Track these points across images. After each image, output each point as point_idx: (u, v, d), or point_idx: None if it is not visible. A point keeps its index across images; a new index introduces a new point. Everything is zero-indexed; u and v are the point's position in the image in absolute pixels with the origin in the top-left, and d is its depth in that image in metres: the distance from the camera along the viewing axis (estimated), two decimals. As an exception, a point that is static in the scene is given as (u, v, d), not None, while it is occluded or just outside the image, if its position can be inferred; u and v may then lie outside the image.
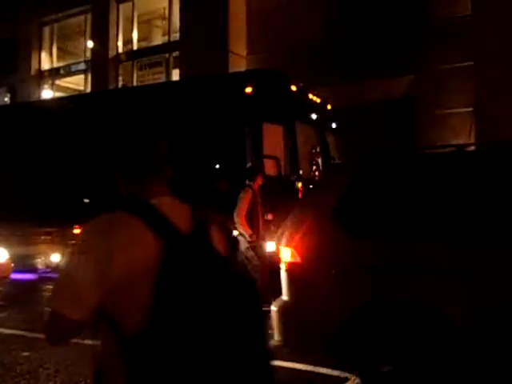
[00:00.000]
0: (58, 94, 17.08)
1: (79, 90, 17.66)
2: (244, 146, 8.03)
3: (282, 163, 8.00)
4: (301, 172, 8.04)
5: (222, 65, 13.13)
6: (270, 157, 7.96)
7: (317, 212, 3.93)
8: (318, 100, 9.27)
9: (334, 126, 9.72)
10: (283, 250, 3.99)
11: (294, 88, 8.43)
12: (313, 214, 3.94)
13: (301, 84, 8.78)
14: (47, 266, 9.29)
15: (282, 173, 8.00)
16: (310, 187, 7.31)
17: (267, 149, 7.96)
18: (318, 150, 8.06)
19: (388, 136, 11.99)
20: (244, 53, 14.21)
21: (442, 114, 12.01)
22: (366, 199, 3.85)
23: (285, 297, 3.97)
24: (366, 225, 3.75)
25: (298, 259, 3.87)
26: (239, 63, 13.67)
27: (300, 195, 7.73)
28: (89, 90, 16.78)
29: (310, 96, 9.06)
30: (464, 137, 10.34)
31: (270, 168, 7.88)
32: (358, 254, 3.64)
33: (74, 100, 10.74)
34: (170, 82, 13.67)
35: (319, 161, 8.03)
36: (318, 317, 3.68)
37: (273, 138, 8.04)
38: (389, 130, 12.20)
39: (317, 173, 7.88)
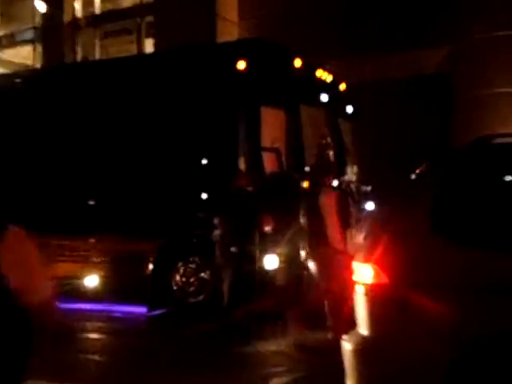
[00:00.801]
0: None
1: (26, 65, 17.66)
2: (236, 136, 8.09)
3: (284, 157, 8.07)
4: (307, 168, 8.11)
5: (207, 33, 13.20)
6: (268, 149, 8.02)
7: (407, 218, 3.82)
8: (329, 78, 9.34)
9: (348, 110, 9.80)
10: (360, 268, 3.83)
11: (298, 63, 8.50)
12: (401, 219, 3.84)
13: (307, 58, 8.86)
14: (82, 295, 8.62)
15: (284, 169, 8.07)
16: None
17: (265, 139, 8.02)
18: (328, 140, 8.10)
19: (417, 122, 12.09)
20: (235, 18, 14.28)
21: (485, 93, 12.07)
22: (477, 200, 3.71)
23: (364, 330, 3.78)
24: (478, 233, 3.61)
25: (384, 279, 3.69)
26: (229, 31, 13.73)
27: (306, 197, 7.76)
28: (39, 64, 16.80)
29: (319, 73, 9.14)
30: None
31: (268, 163, 7.95)
32: (469, 272, 3.48)
33: (18, 78, 10.73)
34: (142, 56, 13.69)
35: (330, 154, 8.07)
36: (414, 358, 3.47)
37: (272, 126, 8.11)
38: (418, 114, 12.29)
39: (327, 167, 7.89)
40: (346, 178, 9.09)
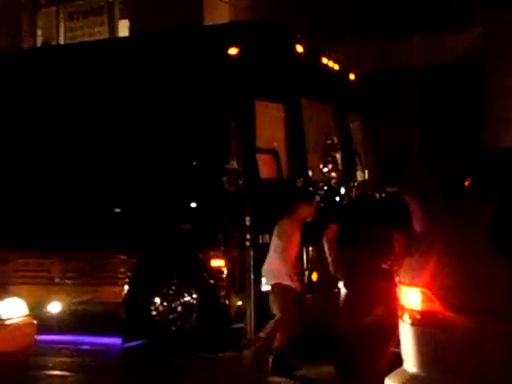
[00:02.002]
0: None
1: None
2: (226, 135, 8.22)
3: (284, 159, 8.19)
4: (310, 172, 8.24)
5: (193, 13, 13.30)
6: (264, 150, 8.15)
7: (462, 233, 3.86)
8: (336, 66, 9.49)
9: (359, 104, 9.95)
10: (406, 293, 3.89)
11: (300, 49, 8.64)
12: (455, 235, 3.89)
13: (311, 43, 8.99)
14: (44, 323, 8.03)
15: (283, 174, 8.18)
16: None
17: (260, 138, 8.15)
18: (335, 139, 8.25)
19: (441, 116, 12.21)
20: (227, -4, 14.40)
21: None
22: None
23: (412, 367, 3.83)
24: None
25: (435, 305, 3.73)
26: (219, 12, 13.87)
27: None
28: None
29: (325, 61, 9.28)
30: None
31: (264, 167, 8.10)
32: None
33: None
34: (115, 40, 13.85)
35: (337, 155, 8.22)
36: None
37: (269, 123, 8.24)
38: (442, 107, 12.43)
39: (333, 173, 8.05)
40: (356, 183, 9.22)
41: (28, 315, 6.94)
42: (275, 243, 7.07)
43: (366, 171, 9.58)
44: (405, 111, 12.36)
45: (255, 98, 8.10)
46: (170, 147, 8.59)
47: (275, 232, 7.09)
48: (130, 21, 15.09)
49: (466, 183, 4.46)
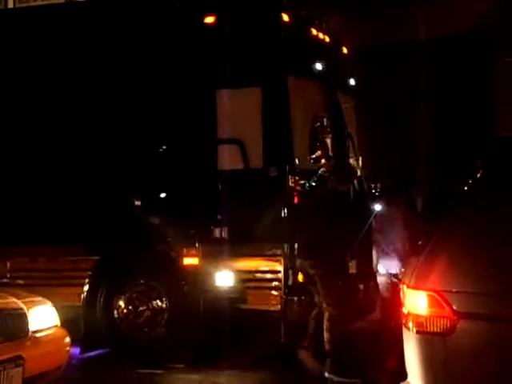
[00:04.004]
0: None
1: None
2: (196, 121, 8.24)
3: (258, 147, 8.11)
4: (297, 161, 8.16)
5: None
6: (229, 140, 8.13)
7: (476, 230, 3.83)
8: (328, 39, 9.35)
9: (352, 82, 9.83)
10: (411, 297, 3.89)
11: (286, 18, 8.50)
12: (468, 232, 3.86)
13: (299, 11, 8.87)
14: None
15: (260, 163, 8.08)
16: None
17: (232, 124, 8.09)
18: (325, 122, 8.11)
19: (446, 96, 12.10)
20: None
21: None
22: None
23: (418, 381, 3.83)
24: None
25: (445, 311, 3.73)
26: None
27: (296, 198, 7.83)
28: None
29: (314, 32, 9.13)
30: None
31: (237, 156, 8.05)
32: None
33: None
34: (70, 3, 13.56)
35: (327, 140, 8.09)
36: None
37: (248, 106, 8.15)
38: (447, 86, 12.32)
39: (323, 160, 7.93)
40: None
41: (60, 326, 6.44)
42: None
43: (360, 157, 9.45)
44: (406, 90, 12.23)
45: (232, 76, 8.03)
46: (129, 132, 8.59)
47: None
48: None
49: (478, 175, 4.31)
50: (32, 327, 5.89)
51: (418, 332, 3.79)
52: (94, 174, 8.66)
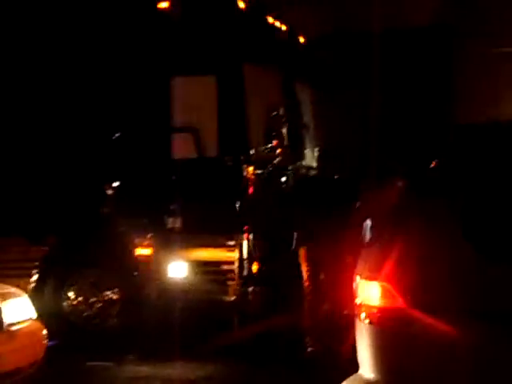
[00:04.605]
0: None
1: None
2: (147, 107, 8.21)
3: (213, 136, 8.11)
4: (252, 151, 8.18)
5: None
6: (183, 129, 8.10)
7: (431, 219, 3.80)
8: (284, 27, 9.36)
9: (309, 72, 9.86)
10: (364, 287, 3.85)
11: (241, 4, 8.50)
12: (422, 221, 3.84)
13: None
14: None
15: (215, 152, 8.10)
16: None
17: (183, 112, 8.07)
18: (281, 112, 8.15)
19: (404, 90, 12.19)
20: None
21: (496, 52, 12.24)
22: None
23: (369, 373, 3.79)
24: None
25: (398, 302, 3.68)
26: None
27: (251, 188, 7.87)
28: None
29: (270, 20, 9.14)
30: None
31: (188, 145, 8.04)
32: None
33: None
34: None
35: (283, 130, 8.13)
36: None
37: (199, 93, 8.13)
38: (403, 77, 12.41)
39: (278, 150, 7.95)
40: (304, 163, 9.18)
41: (36, 319, 6.19)
42: None
43: (316, 149, 9.50)
44: (361, 82, 12.26)
45: (187, 63, 8.05)
46: (84, 124, 8.48)
47: None
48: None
49: (432, 164, 4.35)
50: (6, 320, 5.65)
51: (370, 323, 3.77)
52: (43, 164, 8.51)
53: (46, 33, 8.58)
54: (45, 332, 6.13)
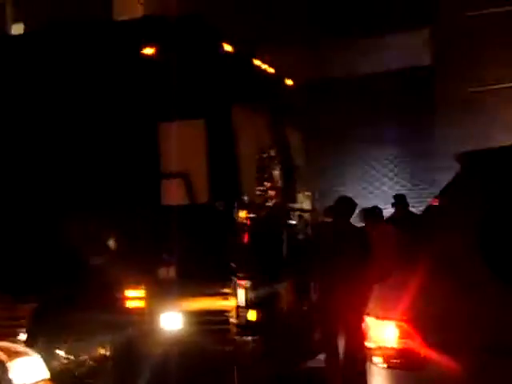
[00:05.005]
0: None
1: None
2: (133, 152, 8.08)
3: (203, 181, 7.96)
4: (245, 196, 8.01)
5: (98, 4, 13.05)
6: (172, 175, 7.96)
7: (449, 255, 3.63)
8: (271, 70, 9.34)
9: (297, 114, 9.80)
10: (378, 328, 3.67)
11: (229, 48, 8.46)
12: (440, 258, 3.66)
13: (243, 43, 8.83)
14: None
15: (201, 198, 7.93)
16: None
17: (172, 157, 7.93)
18: (273, 153, 8.06)
19: (388, 130, 12.31)
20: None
21: (478, 91, 12.40)
22: None
23: None
24: None
25: (418, 343, 3.49)
26: (129, 5, 13.62)
27: (246, 234, 7.71)
28: None
29: (257, 63, 9.11)
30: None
31: (176, 191, 7.90)
32: None
33: None
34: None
35: (276, 172, 8.01)
36: None
37: (192, 138, 8.04)
38: (388, 118, 12.53)
39: (271, 192, 7.79)
40: (297, 205, 9.06)
41: (49, 380, 5.70)
42: None
43: (306, 191, 9.41)
44: (346, 124, 12.36)
45: (175, 108, 7.89)
46: (71, 171, 8.36)
47: None
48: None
49: (434, 203, 4.20)
50: (15, 381, 5.23)
51: (387, 367, 3.59)
52: (25, 216, 8.37)
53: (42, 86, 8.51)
54: None
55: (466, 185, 3.87)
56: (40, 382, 5.55)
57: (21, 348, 5.77)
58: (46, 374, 5.67)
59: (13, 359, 5.36)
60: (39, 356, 5.73)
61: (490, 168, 3.82)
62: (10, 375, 5.22)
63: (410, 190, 12.61)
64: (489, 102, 12.33)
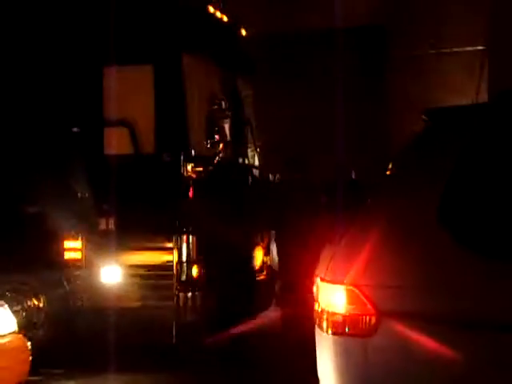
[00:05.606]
0: None
1: None
2: (87, 97, 7.78)
3: (149, 131, 7.73)
4: (193, 148, 7.77)
5: None
6: (121, 120, 7.71)
7: (404, 216, 3.48)
8: (225, 18, 9.08)
9: (250, 65, 9.60)
10: (327, 292, 3.50)
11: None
12: (395, 220, 3.50)
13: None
14: None
15: (152, 148, 7.70)
16: None
17: (118, 105, 7.67)
18: (224, 105, 7.86)
19: (340, 85, 12.20)
20: None
21: (428, 54, 12.44)
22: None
23: None
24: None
25: (368, 309, 3.34)
26: None
27: (191, 189, 7.52)
28: None
29: (211, 10, 8.83)
30: (468, 93, 10.72)
31: (121, 140, 7.66)
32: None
33: None
34: None
35: (225, 125, 7.83)
36: None
37: (139, 85, 7.79)
38: (342, 74, 12.42)
39: (221, 145, 7.65)
40: (246, 160, 8.91)
41: (19, 332, 5.44)
42: None
43: (258, 145, 9.26)
44: (298, 77, 12.29)
45: (121, 51, 7.58)
46: (11, 116, 8.04)
47: None
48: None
49: (388, 172, 4.07)
50: None
51: (334, 334, 3.43)
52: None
53: None
54: (29, 348, 5.43)
55: (431, 143, 3.73)
56: (9, 334, 5.31)
57: None
58: (15, 327, 5.41)
59: None
60: (6, 306, 5.48)
61: (458, 126, 3.66)
62: None
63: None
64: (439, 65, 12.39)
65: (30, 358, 5.42)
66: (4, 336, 5.22)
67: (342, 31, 12.64)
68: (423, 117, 3.83)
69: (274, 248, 8.48)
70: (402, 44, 12.87)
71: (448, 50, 12.60)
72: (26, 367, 5.38)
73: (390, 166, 4.05)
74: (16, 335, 5.40)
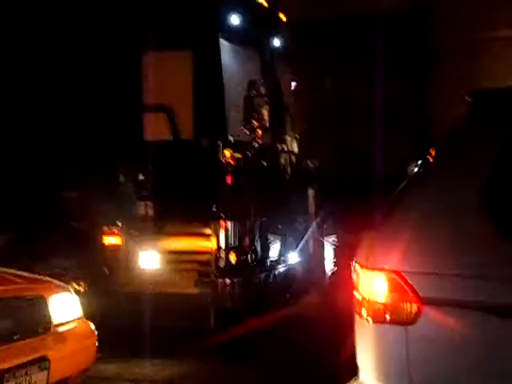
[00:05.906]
0: None
1: None
2: (126, 83, 7.77)
3: (190, 116, 7.73)
4: (231, 134, 7.78)
5: None
6: (154, 108, 7.73)
7: (449, 202, 3.41)
8: (265, 4, 9.05)
9: (289, 52, 9.54)
10: (365, 279, 3.47)
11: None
12: (439, 205, 3.45)
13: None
14: None
15: (191, 134, 7.72)
16: None
17: (166, 89, 7.69)
18: (263, 91, 7.84)
19: (386, 76, 12.09)
20: None
21: (478, 38, 12.24)
22: None
23: (371, 379, 3.43)
24: None
25: (410, 297, 3.30)
26: None
27: (229, 175, 7.52)
28: None
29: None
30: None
31: (160, 126, 7.67)
32: None
33: None
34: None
35: (265, 112, 7.80)
36: None
37: (178, 70, 7.79)
38: (384, 63, 12.30)
39: (259, 131, 7.61)
40: (285, 147, 8.88)
41: (85, 318, 5.37)
42: None
43: (297, 132, 9.22)
44: (339, 66, 12.17)
45: (161, 37, 7.59)
46: (52, 103, 8.19)
47: None
48: None
49: (430, 159, 3.97)
50: (54, 320, 4.90)
51: (374, 322, 3.40)
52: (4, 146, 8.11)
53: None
54: (95, 334, 5.35)
55: (475, 126, 3.65)
56: (76, 320, 5.25)
57: (55, 282, 5.38)
58: (81, 312, 5.36)
59: (51, 294, 5.03)
60: (72, 291, 5.42)
61: (504, 108, 3.55)
62: (49, 313, 4.92)
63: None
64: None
65: (96, 344, 5.34)
66: (73, 321, 5.19)
67: (384, 17, 12.51)
68: (467, 98, 3.75)
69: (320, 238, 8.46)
70: (452, 28, 12.66)
71: (501, 35, 12.38)
72: (94, 353, 5.32)
73: (433, 153, 3.95)
74: (83, 320, 5.37)
